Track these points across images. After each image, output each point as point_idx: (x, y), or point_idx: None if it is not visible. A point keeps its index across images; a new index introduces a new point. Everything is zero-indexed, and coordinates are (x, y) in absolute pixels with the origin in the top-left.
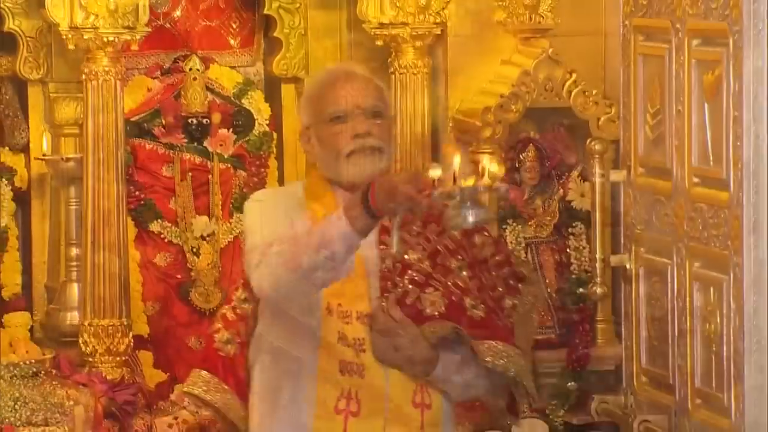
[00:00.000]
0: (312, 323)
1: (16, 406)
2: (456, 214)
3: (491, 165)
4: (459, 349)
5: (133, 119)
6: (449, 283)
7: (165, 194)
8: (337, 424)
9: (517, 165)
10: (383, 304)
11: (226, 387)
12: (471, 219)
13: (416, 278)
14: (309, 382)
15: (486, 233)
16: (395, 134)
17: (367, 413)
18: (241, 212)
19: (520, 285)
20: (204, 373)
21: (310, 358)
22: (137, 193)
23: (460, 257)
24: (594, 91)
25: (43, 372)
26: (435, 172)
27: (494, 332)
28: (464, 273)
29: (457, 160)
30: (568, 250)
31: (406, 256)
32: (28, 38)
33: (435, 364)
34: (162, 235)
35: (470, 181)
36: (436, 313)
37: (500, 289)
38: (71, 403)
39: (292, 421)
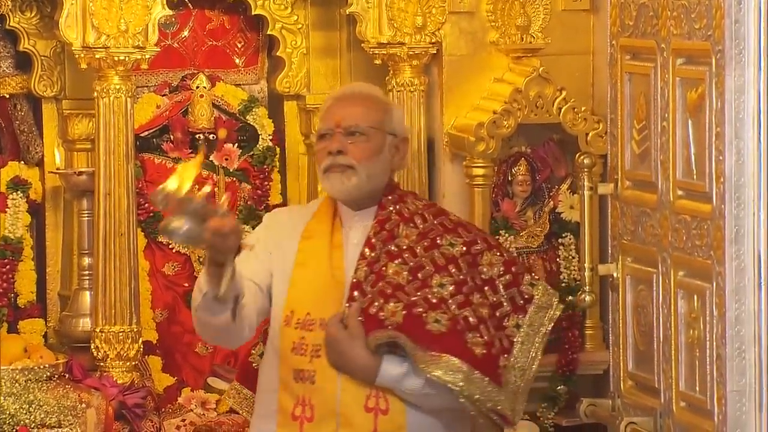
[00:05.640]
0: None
1: (30, 408)
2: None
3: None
4: (407, 360)
5: (142, 135)
6: (418, 297)
7: None
8: (294, 430)
9: (509, 178)
10: (345, 310)
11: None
12: (181, 232)
13: (385, 289)
14: (273, 393)
15: (498, 253)
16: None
17: (320, 418)
18: (246, 223)
19: (527, 306)
20: (237, 384)
21: (274, 371)
22: (147, 205)
23: (446, 273)
24: (583, 108)
25: (56, 376)
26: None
27: (452, 348)
28: (445, 290)
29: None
30: (558, 259)
31: (383, 268)
32: (42, 57)
33: (375, 371)
34: (170, 246)
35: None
36: (393, 324)
37: (507, 306)
38: (83, 405)
39: (262, 430)
